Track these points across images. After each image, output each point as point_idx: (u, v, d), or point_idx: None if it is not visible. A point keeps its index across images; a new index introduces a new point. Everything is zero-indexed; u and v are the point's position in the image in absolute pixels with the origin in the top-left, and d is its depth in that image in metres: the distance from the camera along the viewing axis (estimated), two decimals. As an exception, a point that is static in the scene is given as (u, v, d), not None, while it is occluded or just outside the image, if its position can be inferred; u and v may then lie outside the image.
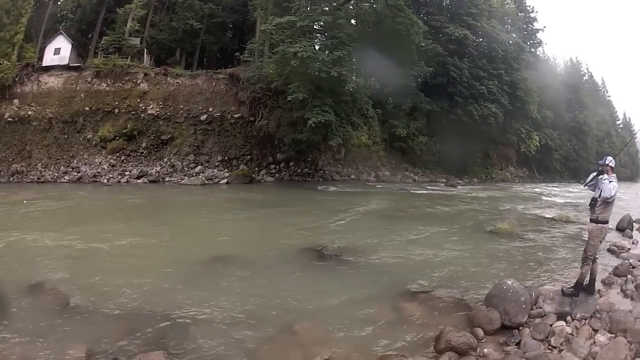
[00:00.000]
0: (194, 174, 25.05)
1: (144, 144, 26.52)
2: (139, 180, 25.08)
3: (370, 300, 5.94)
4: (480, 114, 36.18)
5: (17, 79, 30.53)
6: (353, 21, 27.42)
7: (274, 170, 25.45)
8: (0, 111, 29.98)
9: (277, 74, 23.91)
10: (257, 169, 25.21)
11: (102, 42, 30.46)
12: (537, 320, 5.25)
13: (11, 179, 28.58)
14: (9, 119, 29.82)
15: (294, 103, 22.82)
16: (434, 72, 32.98)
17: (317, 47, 24.56)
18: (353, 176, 26.19)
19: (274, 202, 17.71)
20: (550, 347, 4.78)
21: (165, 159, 26.08)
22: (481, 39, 41.10)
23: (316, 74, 21.48)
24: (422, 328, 5.11)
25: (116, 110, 27.48)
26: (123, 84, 27.86)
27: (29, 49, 32.46)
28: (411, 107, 32.08)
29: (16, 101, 30.41)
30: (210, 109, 26.87)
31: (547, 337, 4.91)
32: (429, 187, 26.02)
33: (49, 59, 31.00)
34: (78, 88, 28.52)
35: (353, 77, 24.05)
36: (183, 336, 5.48)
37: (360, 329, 5.16)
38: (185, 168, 25.54)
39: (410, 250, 8.67)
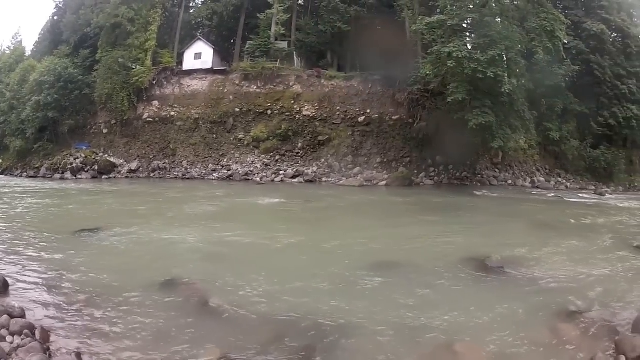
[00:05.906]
0: (352, 175, 25.15)
1: (299, 145, 27.16)
2: (294, 180, 25.66)
3: (530, 318, 5.91)
4: (624, 116, 33.22)
5: (154, 82, 32.72)
6: (498, 19, 26.75)
7: (433, 174, 25.00)
8: (138, 112, 32.31)
9: (434, 74, 23.66)
10: (416, 171, 24.91)
11: (247, 47, 31.64)
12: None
13: (152, 175, 30.51)
14: (148, 119, 32.13)
15: (453, 104, 22.50)
16: (579, 71, 31.02)
17: (469, 47, 24.18)
18: (510, 181, 25.11)
19: (434, 206, 17.49)
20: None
21: (323, 160, 26.61)
22: (615, 34, 38.00)
23: (471, 74, 21.18)
24: (577, 353, 5.01)
25: (269, 112, 28.40)
26: (274, 86, 28.90)
27: (165, 54, 34.66)
28: (562, 108, 30.21)
29: (156, 103, 32.71)
30: (368, 111, 26.99)
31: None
32: (580, 195, 24.60)
33: (189, 63, 33.09)
34: (226, 90, 30.05)
35: (507, 77, 23.35)
36: (332, 348, 5.20)
37: (520, 351, 5.08)
38: (343, 169, 25.81)
39: (566, 265, 8.32)
